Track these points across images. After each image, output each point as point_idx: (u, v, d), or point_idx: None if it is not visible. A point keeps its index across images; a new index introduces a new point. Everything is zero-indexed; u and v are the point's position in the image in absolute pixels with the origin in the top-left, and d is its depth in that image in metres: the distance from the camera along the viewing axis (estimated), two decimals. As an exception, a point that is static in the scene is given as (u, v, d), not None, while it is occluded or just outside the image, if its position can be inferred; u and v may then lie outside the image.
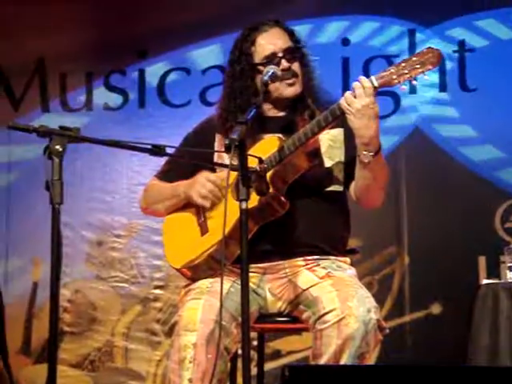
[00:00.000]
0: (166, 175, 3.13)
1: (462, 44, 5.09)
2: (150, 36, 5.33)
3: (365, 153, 2.80)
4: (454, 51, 5.08)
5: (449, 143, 5.06)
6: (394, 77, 2.72)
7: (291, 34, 3.05)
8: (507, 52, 5.02)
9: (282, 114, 3.05)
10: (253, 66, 2.99)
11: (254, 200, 2.79)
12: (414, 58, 2.72)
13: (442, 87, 5.08)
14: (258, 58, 2.99)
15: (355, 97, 2.73)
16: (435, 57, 2.70)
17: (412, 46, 5.13)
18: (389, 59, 5.07)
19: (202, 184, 2.92)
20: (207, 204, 2.92)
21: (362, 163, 2.83)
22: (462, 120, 5.06)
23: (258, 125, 2.90)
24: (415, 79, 2.73)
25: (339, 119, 2.81)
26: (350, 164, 2.94)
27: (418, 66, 2.71)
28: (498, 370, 2.49)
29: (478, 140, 5.03)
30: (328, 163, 2.97)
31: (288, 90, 2.98)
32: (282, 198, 2.86)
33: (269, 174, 2.83)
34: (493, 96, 4.98)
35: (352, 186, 2.98)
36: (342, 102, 2.75)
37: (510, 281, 4.21)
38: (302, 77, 3.01)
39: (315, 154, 2.95)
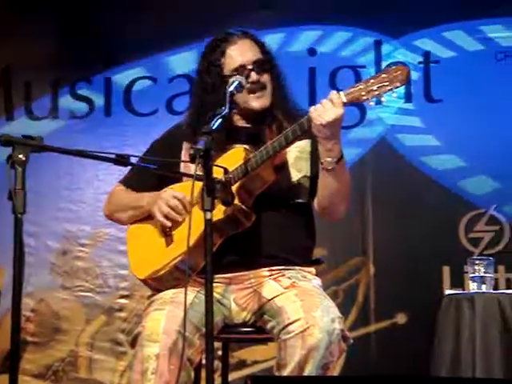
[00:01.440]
0: (130, 181, 3.11)
1: (427, 55, 5.13)
2: (116, 45, 5.31)
3: (328, 159, 2.81)
4: (420, 62, 5.12)
5: (414, 154, 5.08)
6: (363, 93, 2.72)
7: (261, 46, 3.04)
8: (472, 64, 5.07)
9: (250, 124, 3.04)
10: (223, 77, 2.97)
11: (220, 213, 2.79)
12: (383, 75, 2.72)
13: (408, 98, 5.11)
14: (227, 70, 2.97)
15: (325, 109, 2.73)
16: (403, 74, 2.70)
17: (378, 57, 5.16)
18: (355, 70, 5.10)
19: (165, 200, 2.90)
20: (167, 223, 2.91)
21: (326, 170, 2.83)
22: (426, 130, 5.10)
23: (226, 135, 2.89)
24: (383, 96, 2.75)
25: (307, 132, 2.81)
26: (316, 176, 2.94)
27: (386, 83, 2.71)
28: (460, 381, 2.50)
29: (442, 150, 5.06)
30: (295, 176, 2.97)
31: (256, 102, 2.97)
32: (248, 210, 2.85)
33: (235, 187, 2.83)
34: (457, 107, 5.02)
35: (316, 198, 2.98)
36: (313, 112, 2.75)
37: (472, 291, 4.23)
38: (272, 89, 3.00)
39: (282, 166, 2.95)
